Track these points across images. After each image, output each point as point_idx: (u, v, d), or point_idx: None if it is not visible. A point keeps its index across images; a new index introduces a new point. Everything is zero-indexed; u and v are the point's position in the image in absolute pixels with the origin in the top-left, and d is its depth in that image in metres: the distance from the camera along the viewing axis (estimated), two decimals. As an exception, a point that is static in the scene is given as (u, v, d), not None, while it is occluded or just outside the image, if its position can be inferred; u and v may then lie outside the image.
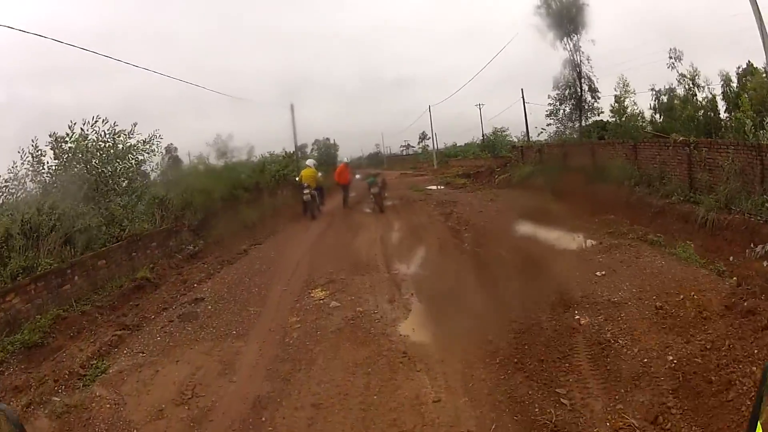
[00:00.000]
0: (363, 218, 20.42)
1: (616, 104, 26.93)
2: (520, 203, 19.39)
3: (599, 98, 26.24)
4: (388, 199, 23.19)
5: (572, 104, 26.88)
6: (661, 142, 18.51)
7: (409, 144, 37.23)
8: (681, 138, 17.46)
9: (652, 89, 25.46)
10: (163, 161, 21.68)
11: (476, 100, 33.14)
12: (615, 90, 26.29)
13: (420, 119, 34.29)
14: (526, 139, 31.16)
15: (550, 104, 29.13)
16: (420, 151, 37.98)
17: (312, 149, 38.08)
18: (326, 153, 37.95)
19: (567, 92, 26.81)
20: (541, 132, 29.48)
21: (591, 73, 26.28)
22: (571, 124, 29.17)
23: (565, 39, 25.99)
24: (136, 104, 24.07)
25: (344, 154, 35.44)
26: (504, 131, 35.19)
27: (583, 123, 28.37)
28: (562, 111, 29.08)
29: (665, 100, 24.97)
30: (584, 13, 25.59)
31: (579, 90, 26.45)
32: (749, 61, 21.75)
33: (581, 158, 22.70)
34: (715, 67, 23.16)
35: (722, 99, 22.91)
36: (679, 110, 23.81)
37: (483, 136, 35.20)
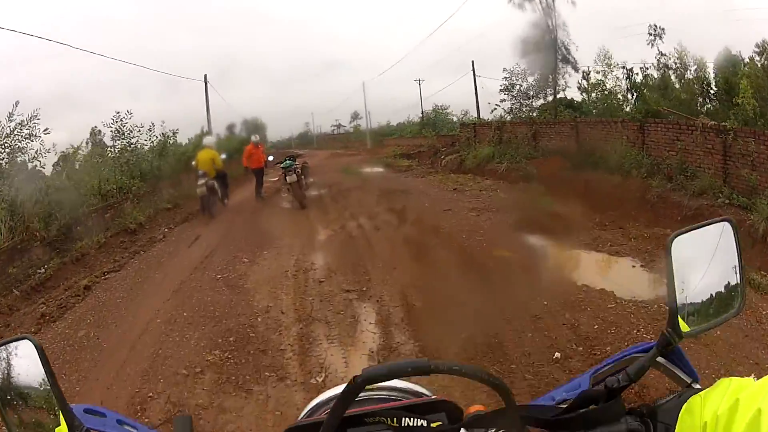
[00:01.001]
0: (276, 220, 14.40)
1: (584, 80, 22.08)
2: (501, 198, 13.68)
3: (578, 70, 21.25)
4: (314, 187, 18.05)
5: (539, 77, 21.84)
6: (680, 125, 14.39)
7: (340, 123, 33.42)
8: (711, 122, 13.73)
9: (623, 66, 21.01)
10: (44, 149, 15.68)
11: (415, 78, 28.60)
12: (596, 63, 21.28)
13: (353, 99, 30.02)
14: (476, 116, 26.48)
15: (505, 78, 24.64)
16: (352, 130, 33.81)
17: (240, 129, 37.32)
18: (254, 133, 36.50)
19: (536, 63, 21.69)
20: (495, 108, 25.03)
21: (568, 41, 21.20)
22: (528, 102, 24.85)
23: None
24: (64, 87, 19.32)
25: (274, 134, 31.35)
26: (445, 109, 30.83)
27: (546, 100, 24.02)
28: (518, 86, 24.67)
29: (656, 77, 20.32)
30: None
31: (554, 59, 21.30)
32: (726, 47, 18.22)
33: (559, 139, 18.44)
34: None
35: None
36: (675, 90, 19.69)
37: (422, 113, 30.81)
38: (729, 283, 1.24)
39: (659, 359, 1.24)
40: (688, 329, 1.20)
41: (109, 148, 18.56)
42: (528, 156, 18.38)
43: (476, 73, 27.51)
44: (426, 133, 27.99)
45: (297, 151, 19.36)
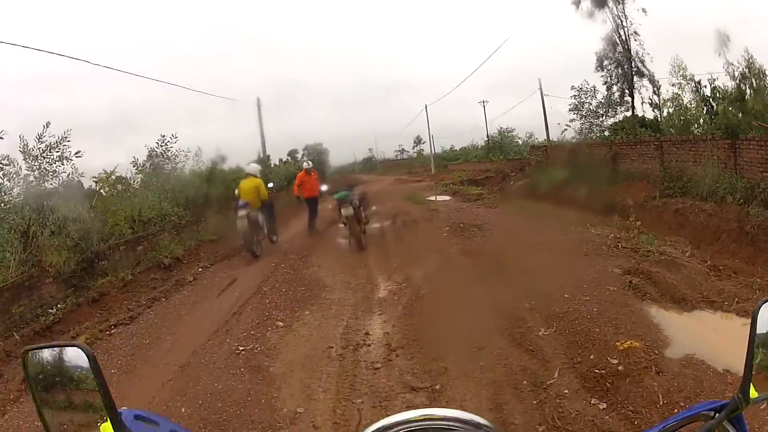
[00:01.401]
0: (327, 264, 11.85)
1: (655, 95, 20.50)
2: (594, 236, 11.44)
3: (655, 83, 19.54)
4: (376, 218, 16.31)
5: (618, 90, 20.25)
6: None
7: (403, 148, 32.86)
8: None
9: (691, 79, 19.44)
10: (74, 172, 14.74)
11: (478, 100, 27.99)
12: (670, 75, 19.63)
13: (416, 123, 29.60)
14: (545, 138, 25.03)
15: (573, 96, 23.16)
16: (415, 155, 33.67)
17: (302, 155, 36.06)
18: (318, 159, 34.83)
19: (612, 75, 20.17)
20: (565, 129, 23.55)
21: (643, 51, 19.60)
22: (598, 120, 23.27)
23: (609, 5, 19.33)
24: (126, 111, 21.38)
25: (336, 160, 32.20)
26: (510, 131, 30.07)
27: (616, 118, 22.42)
28: (587, 104, 23.16)
29: (730, 88, 18.35)
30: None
31: (629, 72, 19.70)
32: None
33: (641, 161, 16.77)
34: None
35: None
36: (753, 101, 17.22)
37: (487, 137, 29.82)
38: None
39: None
40: (756, 396, 1.17)
41: (148, 173, 17.85)
42: (608, 180, 16.63)
43: (543, 92, 26.09)
44: (493, 158, 26.77)
45: (359, 177, 19.22)
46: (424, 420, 1.16)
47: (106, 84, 19.14)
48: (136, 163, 17.61)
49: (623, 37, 19.57)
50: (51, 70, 15.89)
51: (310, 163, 16.51)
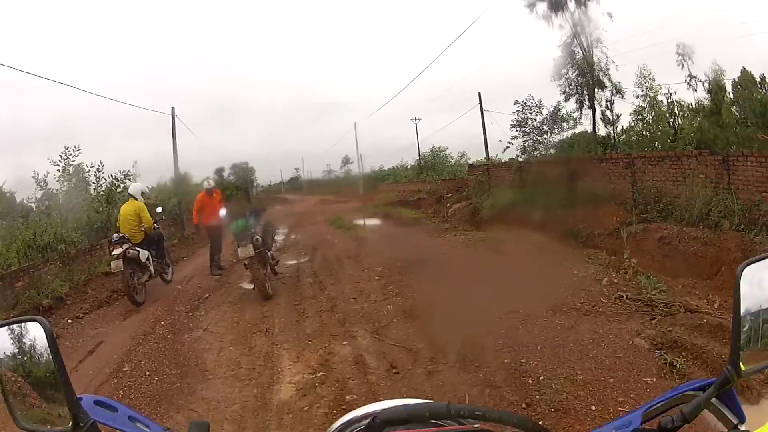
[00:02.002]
0: (218, 325, 8.41)
1: (608, 110, 18.14)
2: (576, 277, 8.03)
3: (622, 95, 17.09)
4: (290, 251, 13.46)
5: (577, 101, 17.72)
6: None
7: (331, 168, 29.77)
8: None
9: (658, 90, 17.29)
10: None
11: (410, 117, 25.31)
12: (636, 85, 17.36)
13: (345, 143, 26.84)
14: (485, 156, 22.42)
15: (516, 112, 20.70)
16: (343, 175, 30.34)
17: (228, 174, 34.31)
18: (243, 178, 33.18)
19: (572, 85, 17.67)
20: (507, 147, 21.02)
21: (607, 60, 17.19)
22: (542, 137, 20.86)
23: (569, 7, 16.83)
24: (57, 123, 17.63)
25: (264, 179, 30.98)
26: (443, 150, 27.22)
27: (563, 135, 20.10)
28: (531, 121, 20.71)
29: (697, 102, 16.53)
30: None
31: (590, 81, 17.19)
32: (743, 68, 15.49)
33: (606, 181, 14.09)
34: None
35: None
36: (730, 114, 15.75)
37: (419, 156, 27.25)
38: None
39: (713, 400, 1.09)
40: (747, 367, 1.08)
41: (47, 191, 15.53)
42: (567, 202, 13.89)
43: (483, 108, 23.55)
44: (428, 177, 24.05)
45: (256, 204, 15.24)
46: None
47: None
48: (37, 179, 15.20)
49: (584, 44, 17.10)
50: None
51: (211, 182, 12.86)
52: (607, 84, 17.06)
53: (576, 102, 17.85)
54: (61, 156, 15.47)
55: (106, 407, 1.20)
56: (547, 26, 17.19)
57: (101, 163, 16.12)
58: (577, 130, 21.23)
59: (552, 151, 21.26)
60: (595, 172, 14.58)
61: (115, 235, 10.53)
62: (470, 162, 22.41)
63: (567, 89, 17.90)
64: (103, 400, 1.20)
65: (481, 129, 22.93)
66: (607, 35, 16.86)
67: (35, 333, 1.17)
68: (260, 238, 9.64)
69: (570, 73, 17.61)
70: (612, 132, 18.13)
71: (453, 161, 27.66)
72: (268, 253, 10.23)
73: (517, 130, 22.21)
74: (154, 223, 11.22)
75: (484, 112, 23.21)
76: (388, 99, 25.24)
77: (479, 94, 23.35)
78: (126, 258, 9.93)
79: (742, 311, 1.06)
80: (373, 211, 20.58)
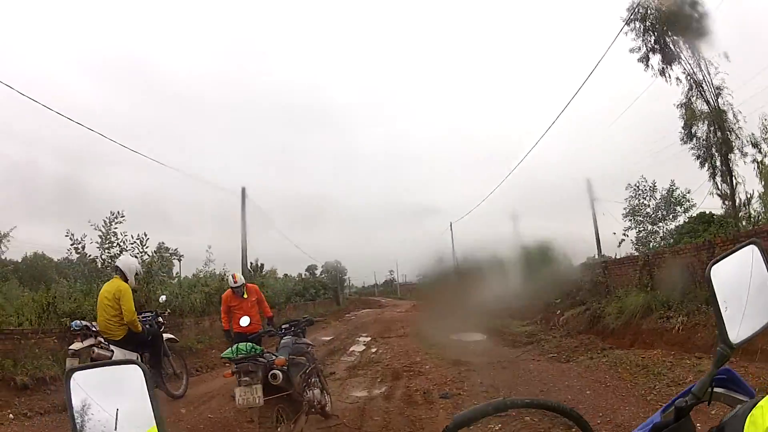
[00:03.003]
0: None
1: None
2: None
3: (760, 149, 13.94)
4: (368, 372, 10.67)
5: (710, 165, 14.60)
6: None
7: (426, 273, 27.84)
8: None
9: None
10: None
11: (507, 215, 23.53)
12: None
13: (440, 245, 28.31)
14: (597, 251, 19.40)
15: (628, 198, 17.74)
16: (435, 278, 27.95)
17: (321, 272, 36.46)
18: (334, 277, 36.08)
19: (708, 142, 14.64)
20: (623, 239, 17.95)
21: (735, 112, 14.22)
22: (655, 225, 17.75)
23: (684, 57, 14.12)
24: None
25: (357, 280, 33.46)
26: (549, 247, 24.16)
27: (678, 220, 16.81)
28: (644, 208, 17.62)
29: None
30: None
31: (723, 138, 14.11)
32: None
33: None
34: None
35: None
36: None
37: (523, 257, 24.45)
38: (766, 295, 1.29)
39: (717, 390, 1.21)
40: (739, 339, 1.23)
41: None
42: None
43: (593, 196, 20.45)
44: (536, 282, 20.99)
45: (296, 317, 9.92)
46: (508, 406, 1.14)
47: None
48: (72, 239, 13.92)
49: (708, 94, 14.10)
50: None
51: (238, 276, 9.53)
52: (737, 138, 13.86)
53: (708, 167, 14.56)
54: (105, 221, 14.32)
55: None
56: (664, 82, 14.54)
57: (145, 235, 14.96)
58: (693, 213, 18.08)
59: (671, 241, 17.97)
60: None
61: (76, 322, 8.05)
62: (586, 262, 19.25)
63: (702, 151, 14.65)
64: None
65: (592, 222, 19.89)
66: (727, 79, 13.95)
67: (132, 375, 1.17)
68: (281, 373, 5.93)
69: (698, 131, 14.50)
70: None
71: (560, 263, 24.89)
72: (310, 392, 6.35)
73: (630, 220, 19.06)
74: (147, 316, 8.64)
75: (594, 202, 20.19)
76: (483, 197, 23.45)
77: (588, 180, 20.41)
78: (93, 359, 7.30)
79: (719, 299, 1.21)
80: (472, 320, 17.56)
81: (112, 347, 7.70)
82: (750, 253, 1.30)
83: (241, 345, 6.01)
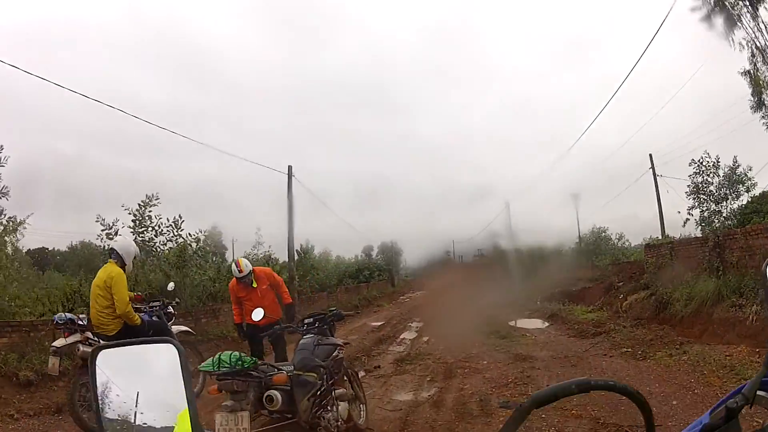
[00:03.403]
0: None
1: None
2: None
3: None
4: (417, 368, 9.57)
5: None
6: None
7: (482, 253, 28.77)
8: None
9: None
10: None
11: (565, 197, 24.47)
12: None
13: (497, 224, 26.60)
14: (661, 232, 18.57)
15: (692, 175, 16.82)
16: (492, 258, 28.29)
17: (377, 254, 36.74)
18: (389, 259, 35.86)
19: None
20: (688, 218, 17.10)
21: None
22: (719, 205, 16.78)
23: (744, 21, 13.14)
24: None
25: (412, 261, 31.00)
26: (604, 230, 25.71)
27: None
28: (709, 185, 16.67)
29: None
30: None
31: None
32: None
33: None
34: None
35: None
36: None
37: (579, 238, 23.95)
38: None
39: (759, 393, 1.10)
40: None
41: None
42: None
43: (656, 172, 19.47)
44: (598, 262, 20.37)
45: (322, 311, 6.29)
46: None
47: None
48: (103, 223, 12.99)
49: None
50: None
51: (243, 263, 8.02)
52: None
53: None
54: (139, 204, 13.50)
55: None
56: (728, 46, 13.41)
57: (180, 217, 14.29)
58: (756, 192, 17.06)
59: (733, 221, 16.97)
60: None
61: (59, 315, 6.93)
62: (645, 243, 18.36)
63: None
64: None
65: (655, 200, 19.01)
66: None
67: (168, 354, 1.14)
68: (280, 394, 4.45)
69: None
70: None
71: (615, 244, 24.20)
72: (326, 415, 4.79)
73: (693, 198, 18.08)
74: (154, 306, 7.58)
75: (656, 177, 19.23)
76: (541, 173, 23.01)
77: (650, 156, 19.46)
78: (82, 357, 6.44)
79: None
80: (534, 307, 16.90)
81: (101, 342, 5.59)
82: None
83: (224, 355, 4.46)
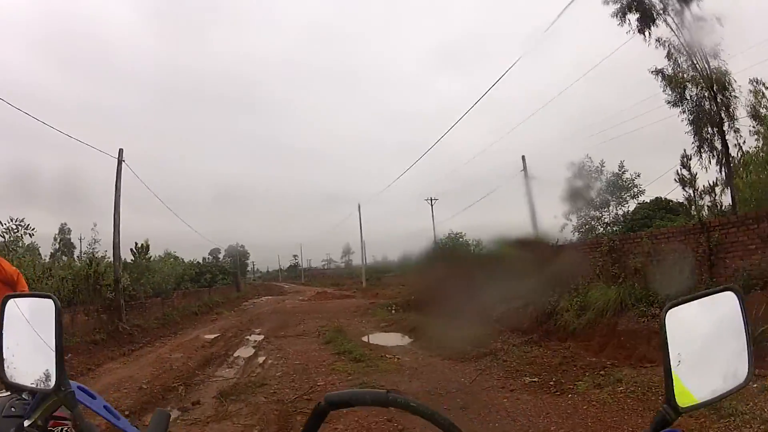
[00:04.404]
0: None
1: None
2: None
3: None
4: (245, 404, 6.51)
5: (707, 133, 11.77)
6: None
7: (331, 258, 29.62)
8: None
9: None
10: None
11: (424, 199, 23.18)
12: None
13: (346, 228, 27.03)
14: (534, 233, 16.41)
15: (570, 178, 14.89)
16: (343, 265, 29.64)
17: (224, 256, 35.57)
18: (235, 262, 34.32)
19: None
20: (566, 224, 15.12)
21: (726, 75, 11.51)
22: (601, 212, 15.19)
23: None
24: None
25: (261, 265, 31.86)
26: (461, 235, 22.50)
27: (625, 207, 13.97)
28: (587, 191, 14.96)
29: None
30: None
31: (715, 109, 11.30)
32: None
33: None
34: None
35: None
36: None
37: (435, 241, 22.81)
38: (735, 353, 1.06)
39: None
40: (688, 404, 1.02)
41: None
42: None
43: (526, 168, 17.22)
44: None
45: None
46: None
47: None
48: None
49: (696, 52, 11.19)
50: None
51: None
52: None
53: (694, 138, 11.75)
54: None
55: (86, 393, 1.27)
56: (643, 42, 11.55)
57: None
58: (643, 199, 15.61)
59: (616, 228, 15.29)
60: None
61: None
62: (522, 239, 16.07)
63: (695, 115, 11.72)
64: (84, 387, 1.27)
65: (527, 205, 16.67)
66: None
67: (46, 308, 1.23)
68: None
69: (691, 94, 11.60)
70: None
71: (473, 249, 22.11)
72: None
73: (570, 203, 16.03)
74: None
75: (527, 176, 17.01)
76: (395, 178, 20.86)
77: (523, 157, 17.28)
78: None
79: (671, 350, 1.01)
80: (386, 313, 13.88)
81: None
82: (723, 300, 1.07)
83: None
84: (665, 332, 1.01)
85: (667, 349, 1.01)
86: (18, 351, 1.23)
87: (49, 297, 1.25)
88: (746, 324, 1.08)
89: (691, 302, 1.05)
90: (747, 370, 1.05)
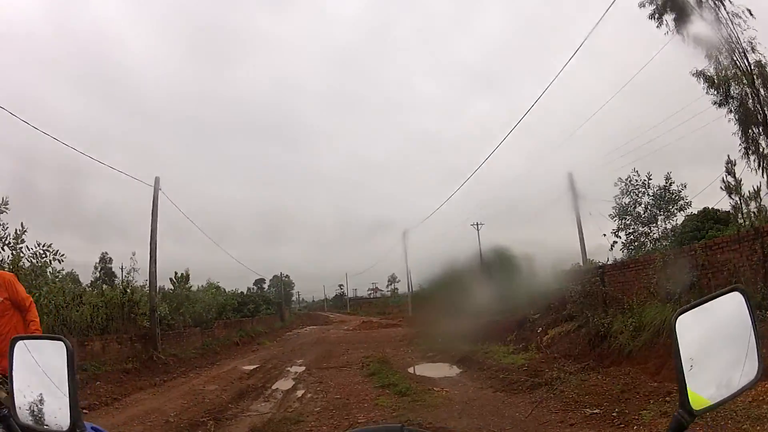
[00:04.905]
0: None
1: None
2: None
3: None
4: None
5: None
6: None
7: (377, 287, 28.90)
8: None
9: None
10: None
11: (467, 226, 22.71)
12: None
13: (392, 257, 25.15)
14: (582, 256, 15.77)
15: (618, 195, 14.40)
16: (389, 293, 28.95)
17: (269, 286, 34.98)
18: (280, 292, 33.76)
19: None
20: (615, 242, 14.50)
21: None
22: (650, 228, 14.55)
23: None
24: None
25: (307, 294, 32.24)
26: (507, 250, 20.84)
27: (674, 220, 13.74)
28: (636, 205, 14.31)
29: None
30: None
31: (758, 106, 10.73)
32: None
33: None
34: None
35: None
36: None
37: (480, 259, 21.28)
38: (744, 350, 1.09)
39: None
40: (702, 406, 1.06)
41: None
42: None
43: (576, 191, 16.59)
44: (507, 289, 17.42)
45: None
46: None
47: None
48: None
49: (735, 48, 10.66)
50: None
51: None
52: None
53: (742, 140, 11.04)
54: None
55: None
56: (682, 43, 11.02)
57: (23, 226, 11.30)
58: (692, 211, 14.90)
59: (665, 243, 14.58)
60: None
61: None
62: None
63: (742, 115, 11.04)
64: (99, 429, 1.39)
65: (575, 225, 16.03)
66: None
67: (58, 351, 1.23)
68: None
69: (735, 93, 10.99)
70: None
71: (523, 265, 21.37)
72: None
73: (619, 220, 15.39)
74: None
75: (575, 191, 16.41)
76: (440, 204, 20.72)
77: (570, 174, 16.66)
78: None
79: (683, 355, 1.05)
80: (437, 347, 13.35)
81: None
82: (731, 302, 1.11)
83: None
84: (676, 339, 1.06)
85: (679, 355, 1.04)
86: (30, 393, 1.23)
87: (60, 339, 1.26)
88: (754, 321, 1.09)
89: (700, 306, 1.08)
90: (757, 366, 1.07)
